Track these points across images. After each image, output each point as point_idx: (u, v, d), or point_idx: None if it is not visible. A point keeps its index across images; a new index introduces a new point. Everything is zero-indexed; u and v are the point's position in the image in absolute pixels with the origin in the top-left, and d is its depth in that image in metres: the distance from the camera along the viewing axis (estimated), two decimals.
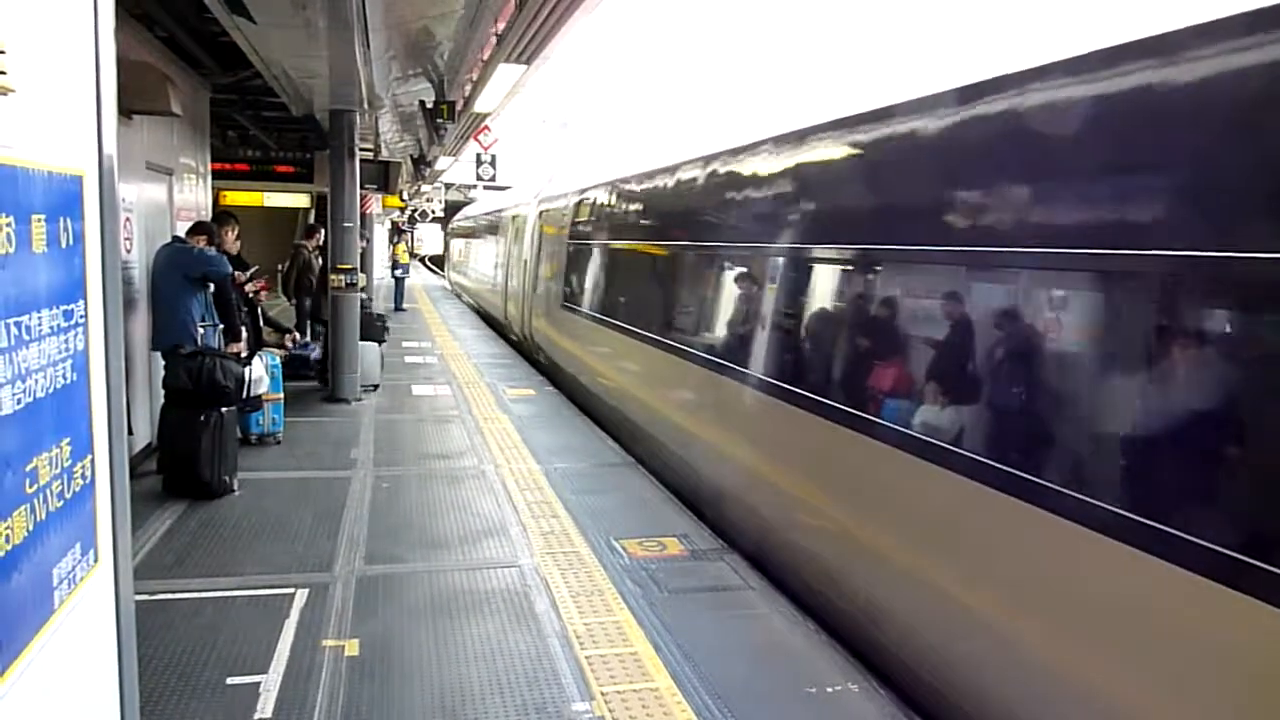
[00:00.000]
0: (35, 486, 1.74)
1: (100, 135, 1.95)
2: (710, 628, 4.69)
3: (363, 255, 11.94)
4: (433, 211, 37.28)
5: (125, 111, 6.65)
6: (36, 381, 1.75)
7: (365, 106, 9.90)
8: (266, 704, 3.79)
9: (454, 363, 13.51)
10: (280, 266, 12.87)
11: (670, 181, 8.19)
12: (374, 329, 11.00)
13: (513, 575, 5.30)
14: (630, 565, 5.50)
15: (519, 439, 8.80)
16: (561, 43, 6.66)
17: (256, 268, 9.37)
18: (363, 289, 11.45)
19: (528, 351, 14.88)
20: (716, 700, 3.94)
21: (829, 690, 4.05)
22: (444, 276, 40.13)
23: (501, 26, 6.66)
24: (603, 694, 3.95)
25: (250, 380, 6.99)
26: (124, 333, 2.54)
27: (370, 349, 10.99)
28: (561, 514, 6.46)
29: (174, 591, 4.85)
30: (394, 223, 34.62)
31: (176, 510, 6.21)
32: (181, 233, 7.60)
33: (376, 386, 11.08)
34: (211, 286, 7.11)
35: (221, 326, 7.37)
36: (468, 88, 9.32)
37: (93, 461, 1.98)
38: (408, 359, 13.97)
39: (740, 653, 4.44)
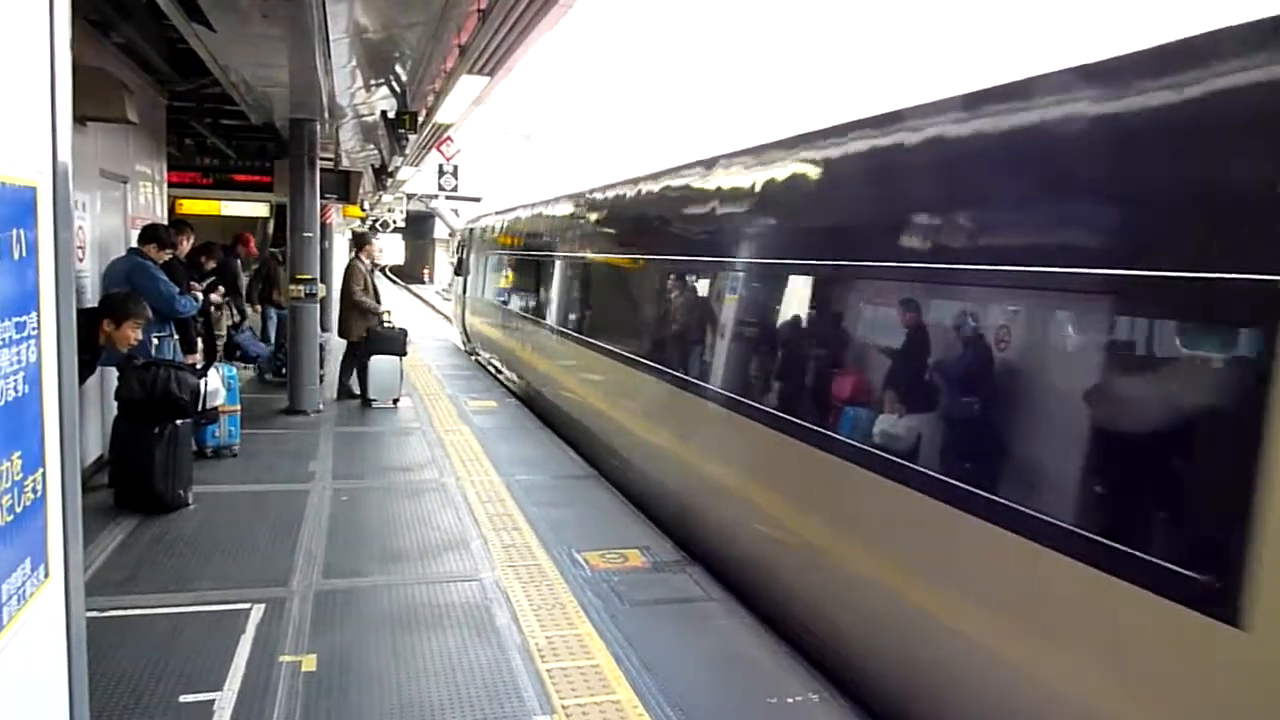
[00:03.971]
0: None
1: (55, 146, 1.93)
2: (672, 639, 4.70)
3: (322, 265, 11.79)
4: (394, 221, 36.63)
5: (80, 119, 6.54)
6: None
7: (326, 116, 9.83)
8: None
9: (415, 374, 13.41)
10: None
11: None
12: (395, 343, 10.90)
13: (473, 589, 5.27)
14: (592, 577, 5.49)
15: (480, 451, 8.75)
16: (524, 55, 6.67)
17: (214, 278, 9.27)
18: (387, 312, 11.43)
19: None
20: (678, 712, 3.95)
21: (790, 701, 4.08)
22: (451, 320, 22.06)
23: (464, 38, 6.66)
24: (563, 707, 3.94)
25: (206, 392, 6.89)
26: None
27: (391, 363, 10.88)
28: (523, 526, 6.44)
29: (126, 608, 4.76)
30: (355, 233, 34.28)
31: (129, 525, 6.09)
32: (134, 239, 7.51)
33: (397, 400, 10.99)
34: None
35: (176, 337, 7.26)
36: (430, 98, 9.29)
37: (44, 475, 1.95)
38: None
39: (702, 664, 4.45)
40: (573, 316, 10.20)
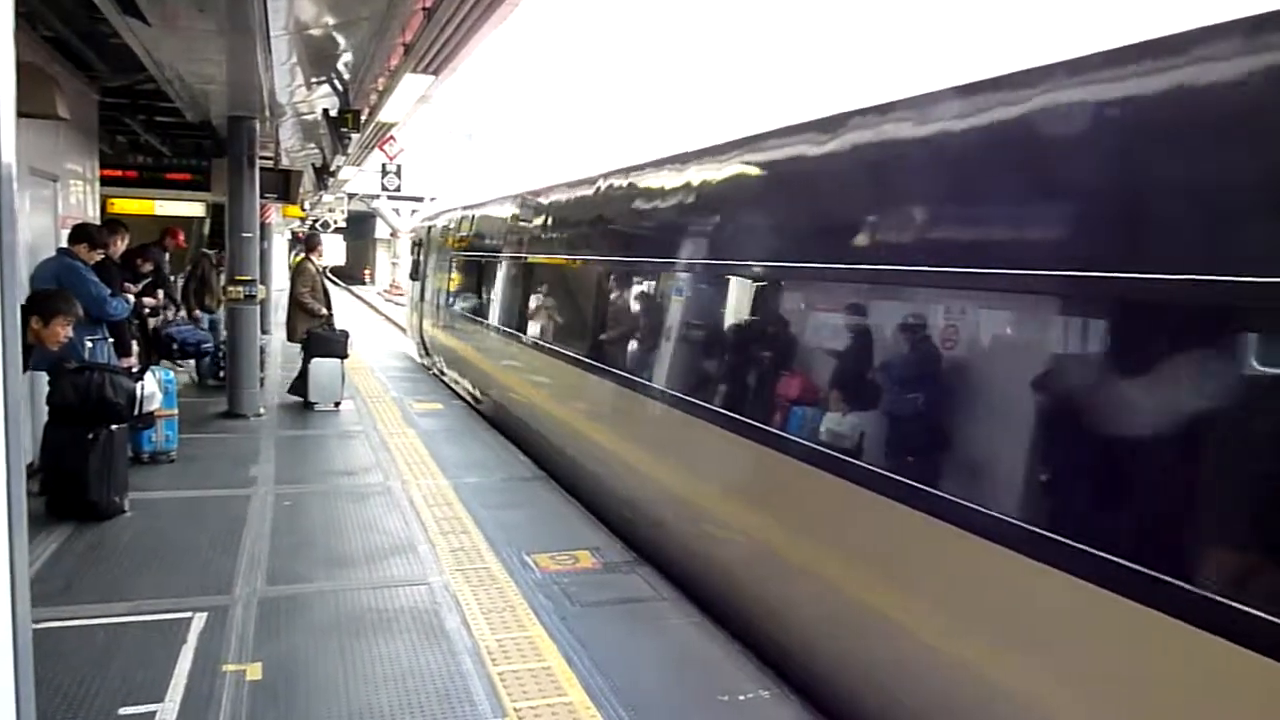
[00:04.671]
0: None
1: None
2: (623, 640, 4.70)
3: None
4: (334, 222, 36.09)
5: None
6: None
7: (268, 114, 9.63)
8: None
9: (358, 376, 13.22)
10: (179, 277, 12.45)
11: None
12: (336, 345, 10.72)
13: (422, 593, 5.21)
14: (542, 580, 5.47)
15: (427, 454, 8.66)
16: (471, 54, 6.62)
17: (149, 279, 9.04)
18: (327, 316, 11.16)
19: None
20: (630, 712, 3.95)
21: (741, 698, 4.10)
22: (407, 330, 20.03)
23: (409, 36, 6.58)
24: (516, 710, 3.92)
25: (142, 396, 6.71)
26: None
27: (332, 365, 10.70)
28: (472, 530, 6.38)
29: (61, 619, 4.61)
30: (305, 234, 33.70)
31: (62, 533, 5.91)
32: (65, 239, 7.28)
33: (339, 403, 10.83)
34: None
35: (111, 340, 7.06)
36: (373, 97, 9.16)
37: None
38: None
39: (654, 664, 4.46)
40: (581, 335, 7.93)
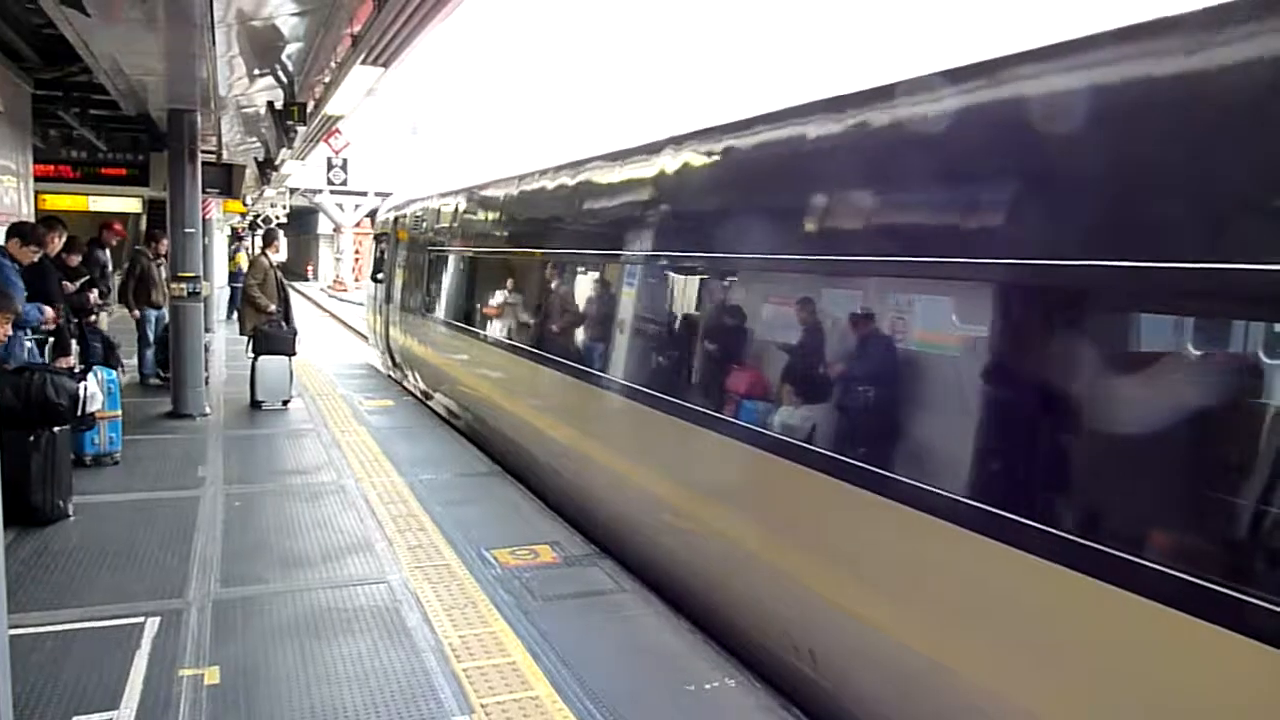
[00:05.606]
0: None
1: None
2: (587, 633, 4.71)
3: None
4: (276, 217, 35.34)
5: None
6: None
7: (211, 106, 9.41)
8: None
9: (306, 374, 12.99)
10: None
11: None
12: (284, 342, 10.54)
13: (381, 591, 5.15)
14: (503, 575, 5.45)
15: (379, 451, 8.56)
16: (421, 46, 6.53)
17: (88, 277, 8.80)
18: (275, 312, 10.87)
19: None
20: (597, 704, 3.96)
21: (707, 687, 4.14)
22: (368, 336, 17.04)
23: (358, 27, 6.47)
24: (482, 705, 3.90)
25: (85, 397, 6.53)
26: None
27: (279, 363, 10.51)
28: (429, 526, 6.33)
29: (7, 628, 4.46)
30: (235, 229, 33.08)
31: (3, 539, 5.71)
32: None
33: (287, 402, 10.65)
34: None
35: (52, 340, 6.86)
36: (319, 89, 8.99)
37: None
38: None
39: (618, 656, 4.47)
40: (612, 349, 6.32)
